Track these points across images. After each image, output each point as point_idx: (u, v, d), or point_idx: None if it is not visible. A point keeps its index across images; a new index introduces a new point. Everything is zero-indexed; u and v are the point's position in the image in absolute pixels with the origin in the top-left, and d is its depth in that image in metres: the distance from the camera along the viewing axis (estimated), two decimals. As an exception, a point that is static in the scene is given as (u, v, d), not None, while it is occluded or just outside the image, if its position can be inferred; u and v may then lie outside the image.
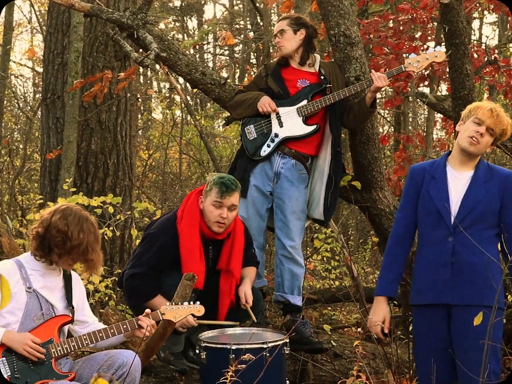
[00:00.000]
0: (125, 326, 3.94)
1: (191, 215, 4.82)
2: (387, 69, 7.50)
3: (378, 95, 5.46)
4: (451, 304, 3.80)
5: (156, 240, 4.78)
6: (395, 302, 6.59)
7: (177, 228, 4.79)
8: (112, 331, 3.91)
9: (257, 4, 13.43)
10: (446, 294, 3.80)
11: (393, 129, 13.83)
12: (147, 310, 4.02)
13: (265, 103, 5.36)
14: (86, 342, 3.87)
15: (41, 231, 3.87)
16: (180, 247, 4.75)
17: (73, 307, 3.96)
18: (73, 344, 3.84)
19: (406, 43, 8.10)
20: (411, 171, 4.03)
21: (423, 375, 3.88)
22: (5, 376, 3.65)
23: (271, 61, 5.74)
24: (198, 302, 4.11)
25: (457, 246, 3.80)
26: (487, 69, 7.89)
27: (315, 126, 5.39)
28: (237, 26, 18.82)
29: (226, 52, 18.39)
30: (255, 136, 5.45)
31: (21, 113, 14.49)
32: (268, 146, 5.41)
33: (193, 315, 4.16)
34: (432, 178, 3.93)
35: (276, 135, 5.41)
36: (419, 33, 8.37)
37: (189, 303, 4.07)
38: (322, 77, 5.46)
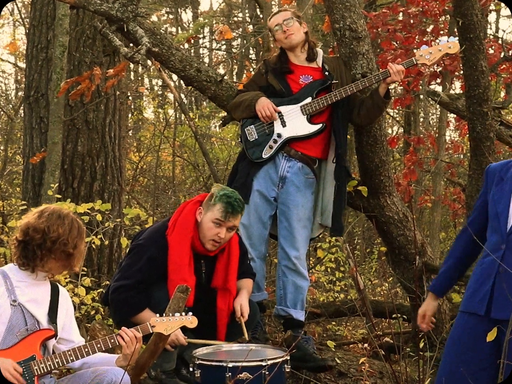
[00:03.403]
0: (112, 340, 3.92)
1: (183, 227, 4.81)
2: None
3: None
4: (491, 317, 3.75)
5: (145, 251, 4.77)
6: (404, 316, 6.60)
7: (167, 239, 4.79)
8: (99, 345, 3.90)
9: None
10: (482, 305, 3.76)
11: (402, 130, 13.87)
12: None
13: (264, 106, 5.36)
14: (71, 358, 3.86)
15: (20, 236, 3.89)
16: (168, 261, 4.75)
17: (56, 324, 3.95)
18: (57, 360, 3.83)
19: (416, 37, 8.12)
20: (485, 170, 4.00)
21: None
22: None
23: (270, 56, 5.73)
24: (190, 313, 4.08)
25: (507, 254, 3.70)
26: (504, 66, 7.91)
27: (321, 125, 5.39)
28: (235, 18, 18.84)
29: (223, 47, 18.40)
30: (256, 137, 5.45)
31: (2, 112, 14.49)
32: (271, 147, 5.41)
33: (186, 328, 4.13)
34: (501, 179, 3.86)
35: (279, 135, 5.41)
36: (431, 27, 8.39)
37: (180, 314, 4.06)
38: (326, 73, 5.47)
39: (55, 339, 3.96)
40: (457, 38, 5.63)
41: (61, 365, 3.85)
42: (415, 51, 6.02)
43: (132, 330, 3.94)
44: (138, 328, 3.96)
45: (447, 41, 5.25)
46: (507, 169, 3.88)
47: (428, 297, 4.16)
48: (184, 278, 4.69)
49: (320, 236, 9.41)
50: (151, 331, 4.00)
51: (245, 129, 5.50)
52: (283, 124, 5.41)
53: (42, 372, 3.79)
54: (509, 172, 3.86)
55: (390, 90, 5.42)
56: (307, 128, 5.40)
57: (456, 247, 4.08)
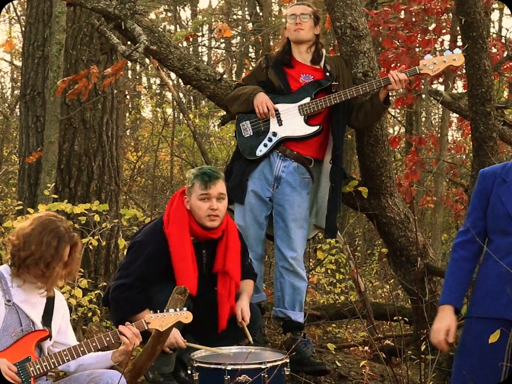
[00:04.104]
0: (108, 339, 3.93)
1: (178, 217, 4.81)
2: (397, 65, 7.53)
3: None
4: None
5: (144, 248, 4.78)
6: (405, 319, 6.60)
7: (165, 233, 4.79)
8: (94, 344, 3.90)
9: (257, -7, 13.46)
10: (509, 308, 3.74)
11: (404, 130, 13.88)
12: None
13: (262, 102, 5.36)
14: (67, 358, 3.86)
15: (10, 239, 3.92)
16: (171, 252, 4.74)
17: (50, 327, 3.95)
18: (52, 361, 3.84)
19: (418, 36, 8.12)
20: (480, 174, 3.97)
21: None
22: None
23: (272, 52, 5.73)
24: (185, 308, 4.09)
25: None
26: (507, 65, 7.91)
27: (318, 127, 5.40)
28: (235, 16, 18.85)
29: (222, 45, 18.40)
30: (251, 134, 5.45)
31: (-3, 111, 14.49)
32: (265, 145, 5.41)
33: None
34: (503, 181, 3.86)
35: (274, 134, 5.41)
36: (433, 25, 8.39)
37: (175, 310, 4.07)
38: (327, 73, 5.47)
39: (50, 340, 3.96)
40: (460, 41, 5.64)
41: (57, 365, 3.86)
42: (417, 51, 6.04)
43: (129, 327, 3.95)
44: (133, 325, 3.97)
45: (452, 53, 5.26)
46: (508, 171, 3.88)
47: (447, 310, 3.85)
48: (189, 267, 4.72)
49: (320, 237, 9.45)
50: (146, 328, 4.01)
51: (240, 124, 5.49)
52: (280, 122, 5.41)
53: (38, 373, 3.80)
54: (510, 173, 3.87)
55: (391, 91, 5.41)
56: (303, 129, 5.40)
57: (467, 258, 3.90)
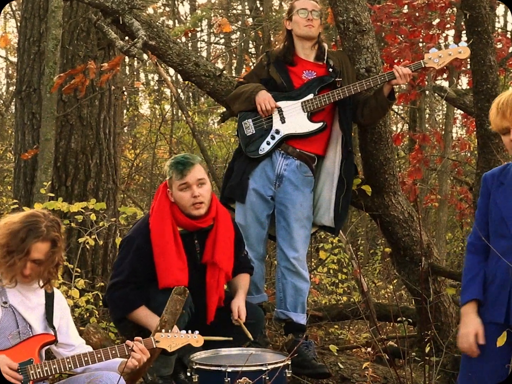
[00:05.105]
0: (113, 352, 3.93)
1: (160, 209, 4.83)
2: (401, 60, 7.53)
3: (392, 89, 5.44)
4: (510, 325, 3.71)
5: (132, 243, 4.80)
6: (409, 320, 6.60)
7: (150, 226, 4.82)
8: (99, 356, 3.90)
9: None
10: (501, 312, 3.73)
11: (407, 127, 13.86)
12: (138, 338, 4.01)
13: (264, 100, 5.35)
14: (70, 365, 3.86)
15: None
16: (152, 243, 4.76)
17: (54, 328, 3.95)
18: (54, 366, 3.84)
19: (422, 31, 8.12)
20: (482, 178, 3.98)
21: None
22: None
23: (273, 48, 5.72)
24: (196, 332, 4.13)
25: None
26: (513, 61, 7.91)
27: (321, 123, 5.39)
28: (234, 11, 18.84)
29: (222, 41, 18.41)
30: (253, 132, 5.44)
31: (-8, 108, 14.50)
32: (268, 143, 5.40)
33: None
34: (501, 184, 3.84)
35: (277, 132, 5.40)
36: (437, 20, 8.38)
37: (186, 332, 4.10)
38: (330, 69, 5.46)
39: (55, 345, 3.97)
40: (465, 36, 5.63)
41: (58, 371, 3.86)
42: (420, 46, 6.01)
43: (137, 343, 3.95)
44: (141, 340, 3.97)
45: (458, 46, 5.25)
46: (506, 173, 3.87)
47: (470, 311, 3.78)
48: (171, 257, 4.71)
49: (322, 236, 9.45)
50: (154, 346, 4.02)
51: (243, 123, 5.48)
52: (282, 120, 5.40)
53: (38, 377, 3.80)
54: (508, 175, 3.85)
55: (395, 86, 5.40)
56: (307, 126, 5.39)
57: (479, 267, 3.86)
